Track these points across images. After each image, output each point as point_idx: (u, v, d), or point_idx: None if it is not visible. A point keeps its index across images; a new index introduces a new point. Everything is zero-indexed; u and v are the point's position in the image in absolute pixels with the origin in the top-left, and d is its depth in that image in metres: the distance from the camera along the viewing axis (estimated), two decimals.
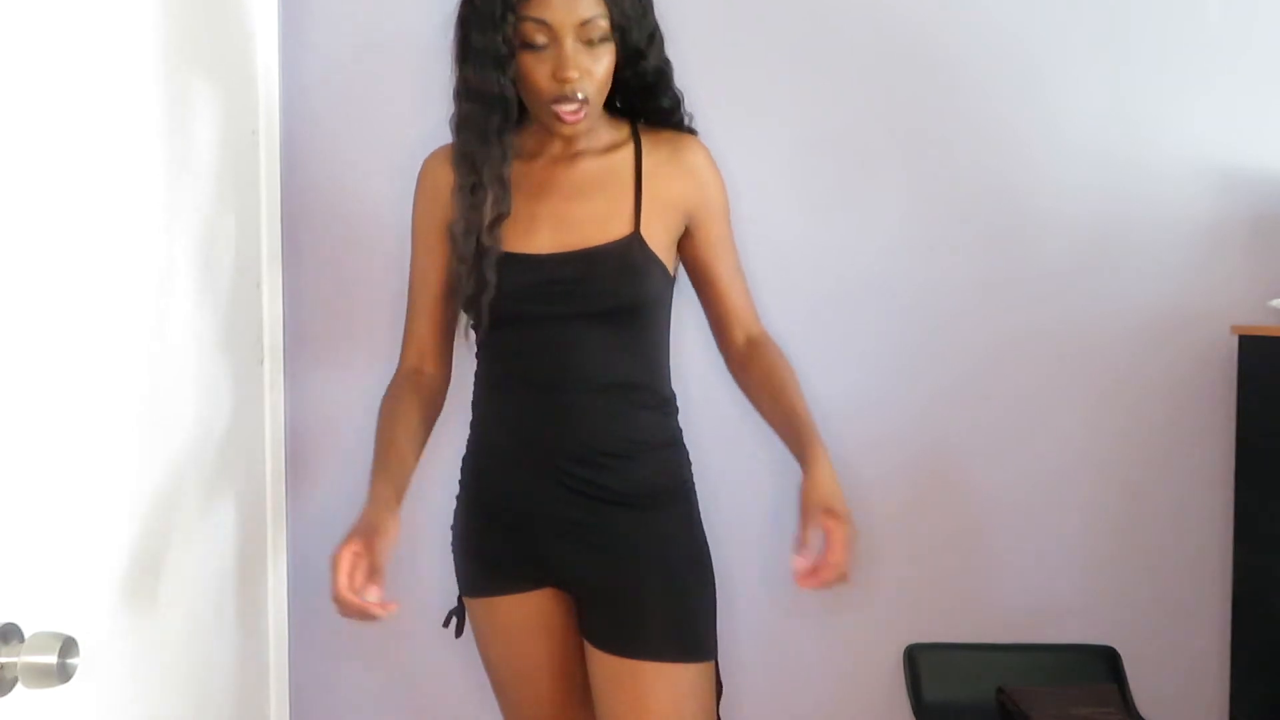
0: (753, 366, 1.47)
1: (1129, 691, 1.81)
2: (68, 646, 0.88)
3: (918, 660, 1.86)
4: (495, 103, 1.35)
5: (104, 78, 1.23)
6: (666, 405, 1.49)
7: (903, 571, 1.88)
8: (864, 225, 1.85)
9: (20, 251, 1.04)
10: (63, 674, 0.87)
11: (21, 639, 0.88)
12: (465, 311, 1.44)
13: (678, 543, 1.45)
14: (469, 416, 1.52)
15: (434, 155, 1.48)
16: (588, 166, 1.43)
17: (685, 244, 1.47)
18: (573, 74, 1.31)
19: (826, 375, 1.85)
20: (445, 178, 1.43)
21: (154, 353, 1.35)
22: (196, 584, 1.48)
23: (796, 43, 1.83)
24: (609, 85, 1.37)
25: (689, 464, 1.52)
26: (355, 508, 1.86)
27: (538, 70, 1.33)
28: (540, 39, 1.31)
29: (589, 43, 1.32)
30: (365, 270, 1.84)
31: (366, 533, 1.32)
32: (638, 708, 1.40)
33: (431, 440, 1.84)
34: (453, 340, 1.50)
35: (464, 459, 1.53)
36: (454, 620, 1.55)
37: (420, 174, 1.48)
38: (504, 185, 1.38)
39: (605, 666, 1.43)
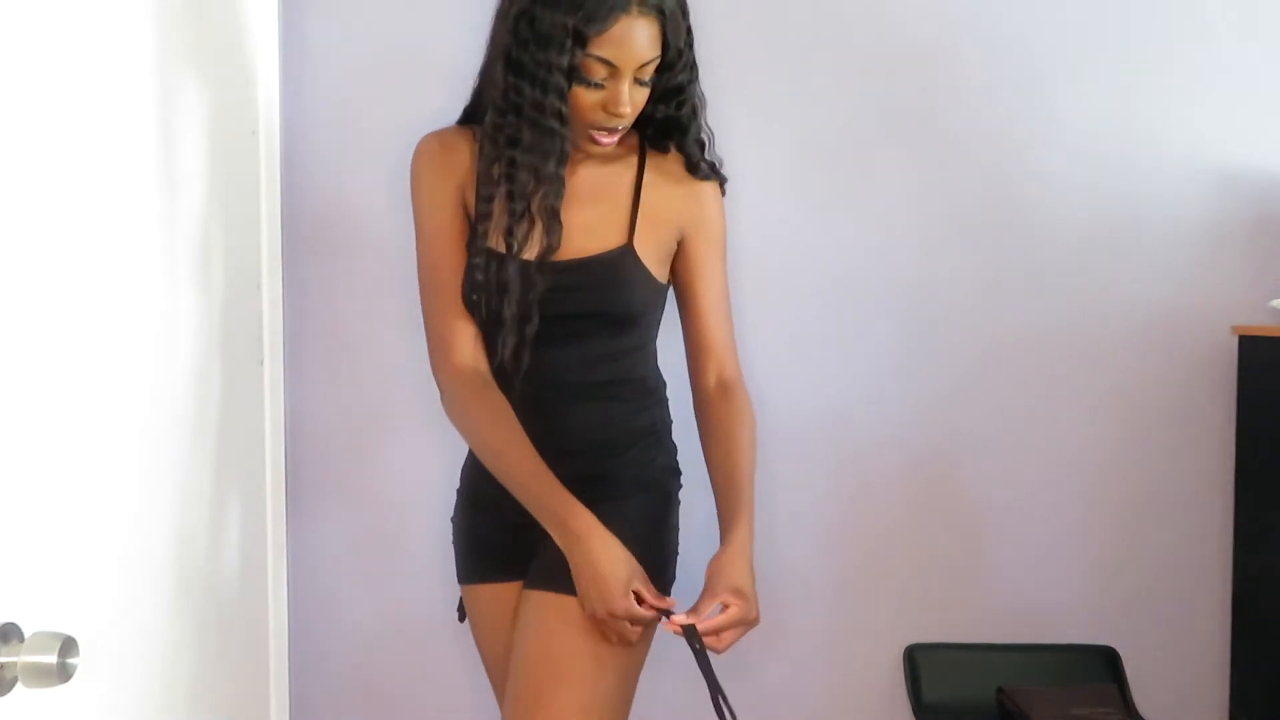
0: (714, 415, 1.46)
1: (1129, 691, 1.81)
2: (68, 646, 0.88)
3: (918, 660, 1.86)
4: (556, 135, 1.33)
5: (104, 78, 1.23)
6: (645, 397, 1.49)
7: (903, 571, 1.89)
8: (864, 225, 1.85)
9: (20, 252, 1.04)
10: (63, 674, 0.87)
11: (21, 639, 0.88)
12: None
13: (643, 524, 1.43)
14: None
15: (442, 138, 1.45)
16: (589, 174, 1.43)
17: (674, 263, 1.47)
18: (626, 110, 1.32)
19: (827, 375, 1.86)
20: (464, 162, 1.41)
21: (154, 353, 1.35)
22: (196, 584, 1.48)
23: (796, 42, 1.83)
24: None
25: (669, 455, 1.52)
26: (355, 507, 1.87)
27: (590, 100, 1.32)
28: (600, 75, 1.30)
29: (642, 81, 1.33)
30: (365, 270, 1.84)
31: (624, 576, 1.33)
32: (541, 634, 1.38)
33: (432, 441, 1.85)
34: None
35: (468, 453, 1.55)
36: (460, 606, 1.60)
37: (428, 156, 1.44)
38: (557, 219, 1.37)
39: (526, 600, 1.43)
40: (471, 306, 1.41)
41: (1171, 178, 1.83)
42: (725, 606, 1.33)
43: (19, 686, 0.87)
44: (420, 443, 1.85)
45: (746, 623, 1.34)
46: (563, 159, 1.35)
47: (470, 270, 1.40)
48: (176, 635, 1.41)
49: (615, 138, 1.37)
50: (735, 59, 1.80)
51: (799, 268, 1.84)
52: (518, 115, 1.34)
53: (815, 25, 1.83)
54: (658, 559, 1.44)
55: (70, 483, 1.14)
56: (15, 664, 0.87)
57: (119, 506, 1.26)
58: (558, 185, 1.35)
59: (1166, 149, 1.83)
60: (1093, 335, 1.85)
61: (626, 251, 1.40)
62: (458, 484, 1.57)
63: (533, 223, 1.37)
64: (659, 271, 1.44)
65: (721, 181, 1.49)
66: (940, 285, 1.85)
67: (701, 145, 1.46)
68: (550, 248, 1.37)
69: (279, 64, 1.74)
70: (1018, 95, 1.83)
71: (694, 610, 1.33)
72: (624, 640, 1.34)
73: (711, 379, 1.47)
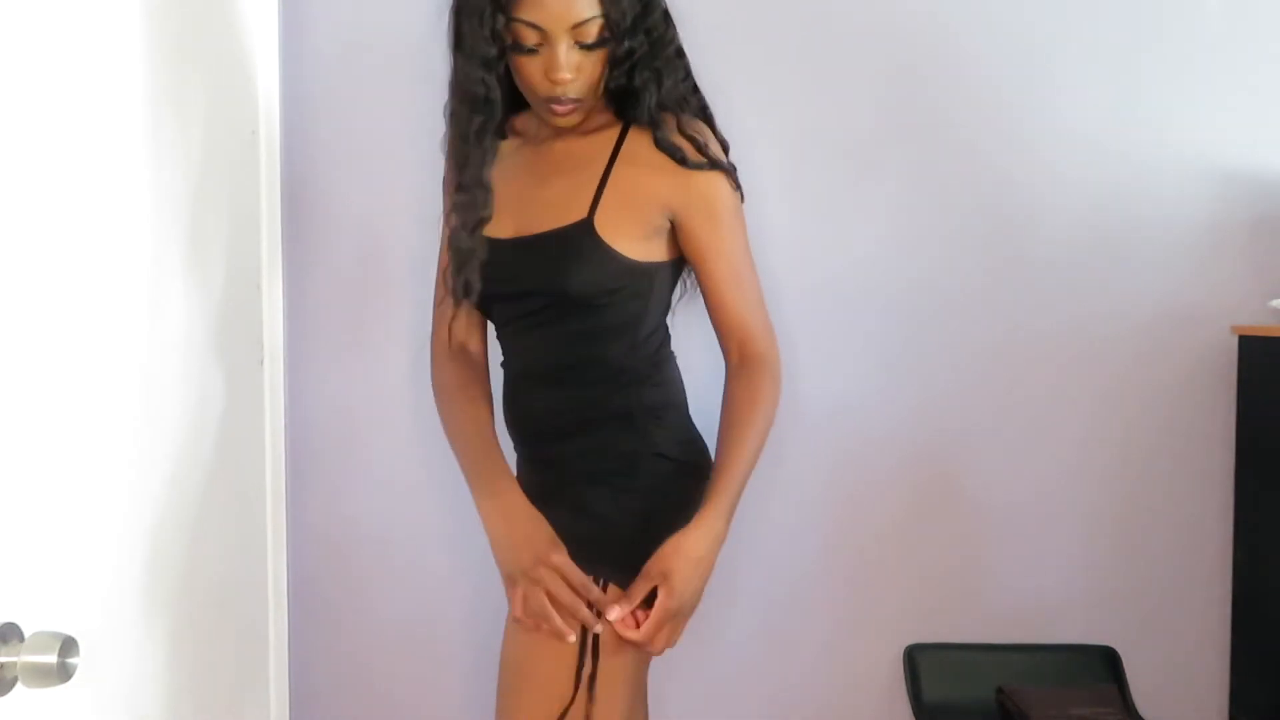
0: (726, 393, 1.41)
1: (1129, 691, 1.81)
2: (68, 646, 0.88)
3: (918, 660, 1.86)
4: (480, 104, 1.35)
5: (103, 77, 1.23)
6: (621, 376, 1.40)
7: (903, 571, 1.89)
8: (863, 225, 1.85)
9: (19, 253, 1.04)
10: (63, 674, 0.87)
11: (21, 639, 0.88)
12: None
13: (624, 514, 1.37)
14: None
15: None
16: (566, 148, 1.41)
17: (680, 244, 1.42)
18: (565, 76, 1.30)
19: (826, 373, 1.86)
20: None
21: (154, 353, 1.35)
22: (196, 584, 1.48)
23: (796, 40, 1.83)
24: (602, 83, 1.35)
25: (656, 439, 1.41)
26: (355, 507, 1.87)
27: (531, 67, 1.32)
28: (532, 40, 1.30)
29: (584, 45, 1.30)
30: (366, 270, 1.84)
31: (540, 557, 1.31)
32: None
33: (432, 441, 1.85)
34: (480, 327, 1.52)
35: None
36: None
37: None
38: (485, 189, 1.38)
39: None
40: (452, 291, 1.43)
41: (1171, 178, 1.83)
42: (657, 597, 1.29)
43: (19, 686, 0.87)
44: (420, 443, 1.85)
45: (667, 613, 1.29)
46: (486, 127, 1.36)
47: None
48: (176, 635, 1.41)
49: (570, 108, 1.34)
50: (736, 59, 1.79)
51: (799, 267, 1.84)
52: (455, 95, 1.38)
53: (815, 25, 1.83)
54: (617, 545, 1.35)
55: (70, 483, 1.14)
56: (15, 664, 0.87)
57: (119, 507, 1.26)
58: (481, 154, 1.37)
59: (1166, 149, 1.83)
60: (1093, 335, 1.85)
61: (582, 226, 1.35)
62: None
63: (471, 196, 1.38)
64: (635, 249, 1.37)
65: (718, 167, 1.39)
66: (940, 285, 1.85)
67: (677, 120, 1.38)
68: (481, 220, 1.38)
69: (279, 64, 1.74)
70: (1018, 95, 1.83)
71: (627, 595, 1.30)
72: (559, 634, 1.29)
73: (734, 356, 1.41)
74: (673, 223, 1.40)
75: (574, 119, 1.37)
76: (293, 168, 1.80)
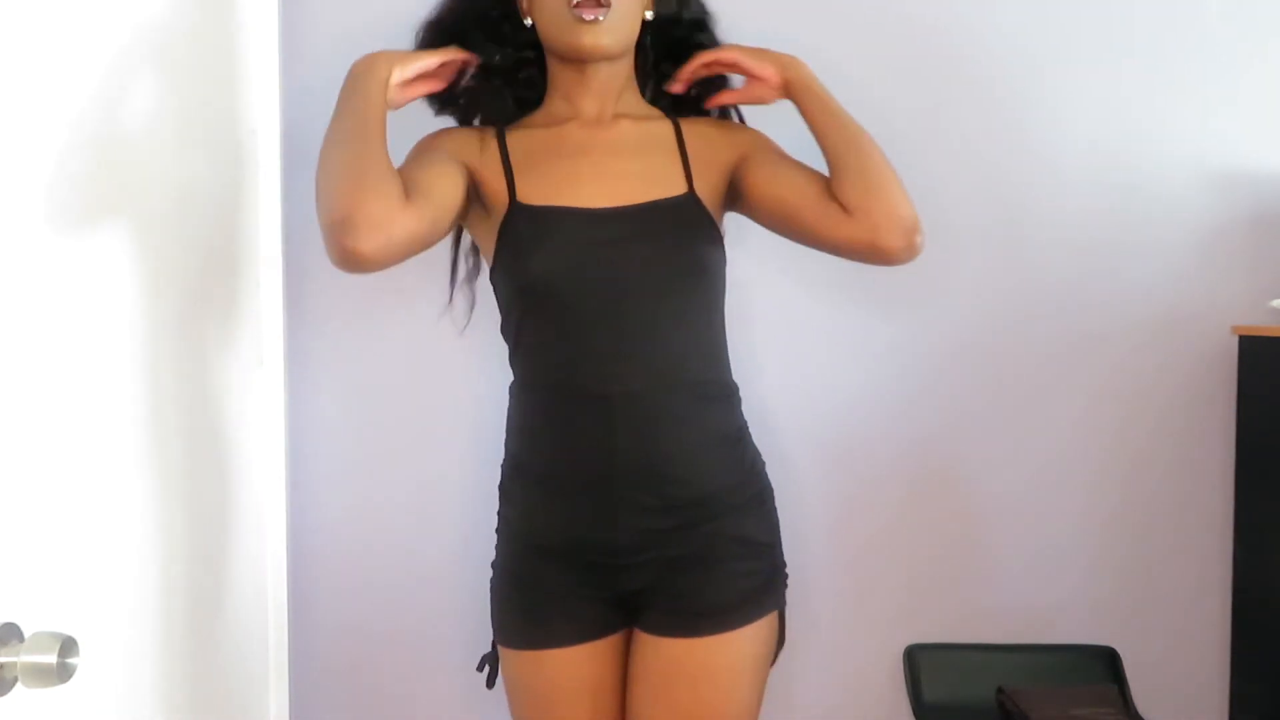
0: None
1: (1129, 691, 1.81)
2: (68, 646, 0.87)
3: (918, 660, 1.86)
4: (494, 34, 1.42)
5: (103, 77, 1.23)
6: (732, 396, 1.39)
7: (903, 571, 1.89)
8: None
9: (18, 252, 1.04)
10: (63, 674, 0.87)
11: (21, 639, 0.88)
12: (501, 284, 1.35)
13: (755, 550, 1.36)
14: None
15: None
16: (627, 129, 1.38)
17: (750, 193, 1.38)
18: None
19: (825, 373, 1.86)
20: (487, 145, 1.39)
21: (153, 354, 1.35)
22: (196, 584, 1.48)
23: (796, 41, 1.83)
24: (639, 25, 1.36)
25: (761, 458, 1.42)
26: (355, 508, 1.87)
27: None
28: None
29: None
30: None
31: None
32: (702, 685, 1.30)
33: (433, 441, 1.85)
34: (435, 211, 1.28)
35: (501, 485, 1.41)
36: (487, 667, 1.44)
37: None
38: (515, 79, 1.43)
39: (661, 648, 1.32)
40: (505, 271, 1.36)
41: (1171, 177, 1.83)
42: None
43: (19, 686, 0.87)
44: (421, 443, 1.85)
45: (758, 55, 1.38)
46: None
47: None
48: (176, 635, 1.41)
49: (596, 12, 1.30)
50: None
51: (797, 265, 1.84)
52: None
53: (816, 25, 1.82)
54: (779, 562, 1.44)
55: (70, 483, 1.14)
56: (15, 664, 0.86)
57: (119, 507, 1.26)
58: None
59: (1166, 149, 1.83)
60: (1093, 335, 1.85)
61: (691, 197, 1.35)
62: (501, 523, 1.41)
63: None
64: (719, 224, 1.41)
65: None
66: (939, 285, 1.85)
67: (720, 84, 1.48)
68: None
69: (279, 64, 1.74)
70: (1018, 94, 1.83)
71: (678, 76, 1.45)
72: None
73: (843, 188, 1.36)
74: (733, 182, 1.40)
75: (604, 39, 1.31)
76: (293, 168, 1.80)
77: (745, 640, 1.33)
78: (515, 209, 1.31)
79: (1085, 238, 1.84)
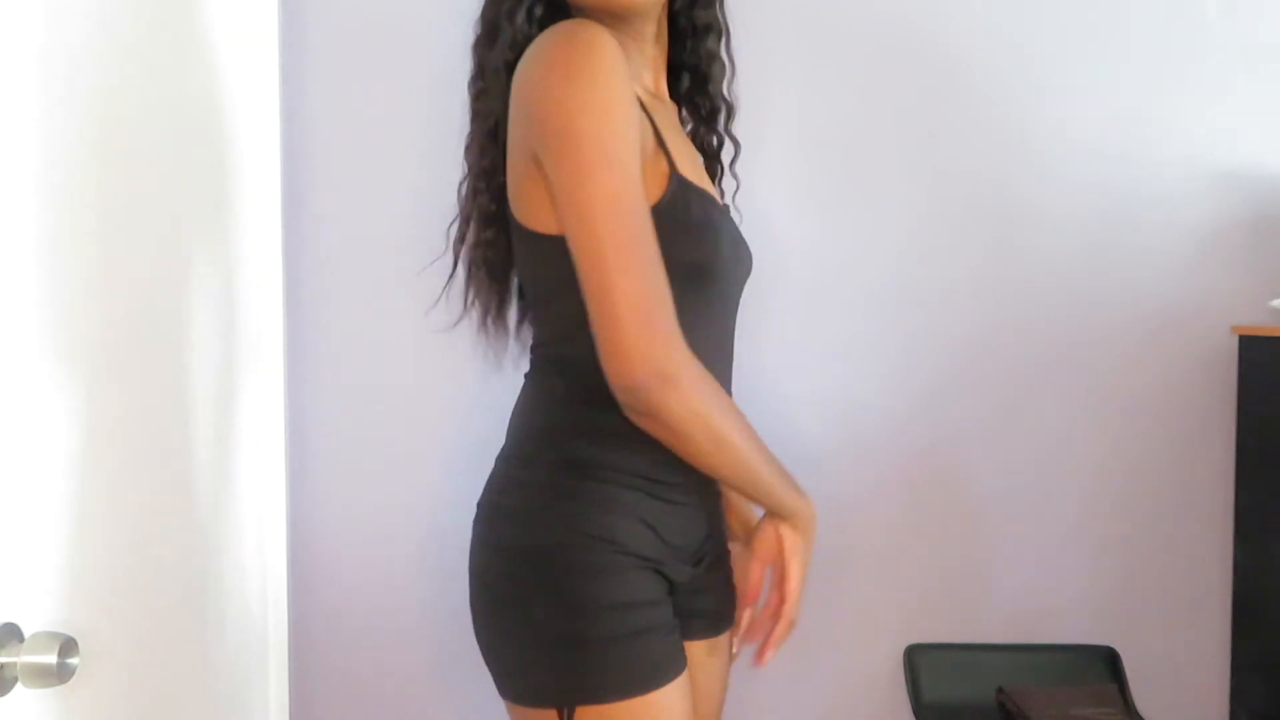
0: None
1: (1129, 691, 1.81)
2: (68, 646, 0.88)
3: (918, 660, 1.86)
4: None
5: (102, 77, 1.23)
6: None
7: (903, 571, 1.89)
8: (862, 225, 1.85)
9: (17, 252, 1.04)
10: (63, 674, 0.88)
11: (21, 639, 0.88)
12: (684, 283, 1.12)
13: None
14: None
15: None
16: (671, 109, 1.36)
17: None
18: None
19: (825, 373, 1.86)
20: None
21: (153, 353, 1.35)
22: (196, 584, 1.48)
23: (797, 42, 1.83)
24: None
25: None
26: (355, 507, 1.87)
27: None
28: None
29: None
30: (366, 269, 1.84)
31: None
32: (723, 678, 1.43)
33: (433, 441, 1.85)
34: None
35: (581, 504, 1.18)
36: None
37: (604, 46, 1.07)
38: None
39: (710, 650, 1.39)
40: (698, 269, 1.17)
41: (1171, 177, 1.83)
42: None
43: (19, 686, 0.87)
44: (421, 443, 1.85)
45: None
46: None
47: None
48: (176, 635, 1.41)
49: None
50: (737, 57, 1.79)
51: (798, 267, 1.84)
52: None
53: (816, 25, 1.83)
54: None
55: (70, 483, 1.14)
56: (15, 664, 0.87)
57: (119, 507, 1.26)
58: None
59: (1166, 149, 1.83)
60: (1092, 335, 1.85)
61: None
62: (595, 550, 1.16)
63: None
64: None
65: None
66: (939, 285, 1.85)
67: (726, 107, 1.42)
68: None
69: (279, 63, 1.74)
70: (1018, 95, 1.83)
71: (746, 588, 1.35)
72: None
73: None
74: None
75: None
76: (293, 168, 1.80)
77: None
78: (681, 183, 1.15)
79: (1085, 238, 1.84)
